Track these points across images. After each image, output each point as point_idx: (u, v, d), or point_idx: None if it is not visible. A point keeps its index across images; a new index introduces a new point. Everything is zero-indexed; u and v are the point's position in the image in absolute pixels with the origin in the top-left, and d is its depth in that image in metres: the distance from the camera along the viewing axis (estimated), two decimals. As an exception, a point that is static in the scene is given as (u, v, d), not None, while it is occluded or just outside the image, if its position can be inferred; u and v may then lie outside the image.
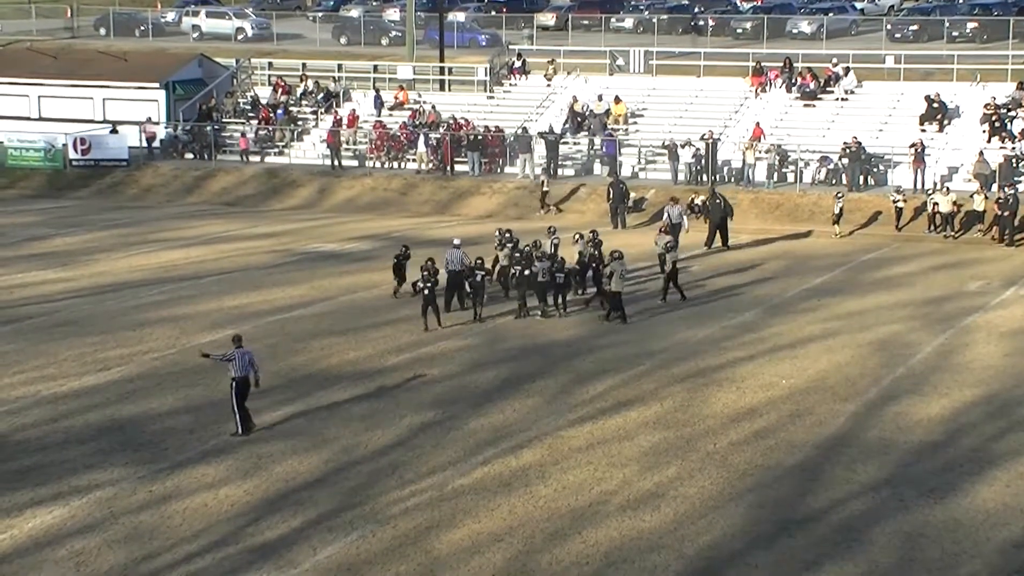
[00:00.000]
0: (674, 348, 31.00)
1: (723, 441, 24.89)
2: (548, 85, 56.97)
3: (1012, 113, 48.50)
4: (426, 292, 32.28)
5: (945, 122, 49.60)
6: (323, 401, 27.30)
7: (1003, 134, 47.68)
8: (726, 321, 33.42)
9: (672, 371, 29.14)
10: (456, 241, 35.38)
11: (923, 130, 49.08)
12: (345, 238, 44.49)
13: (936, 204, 43.84)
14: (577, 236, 36.66)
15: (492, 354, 30.63)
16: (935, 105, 49.52)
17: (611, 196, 46.28)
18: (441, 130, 53.43)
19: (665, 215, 40.76)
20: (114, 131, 55.62)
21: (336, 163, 53.43)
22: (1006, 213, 42.41)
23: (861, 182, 47.39)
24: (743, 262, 40.41)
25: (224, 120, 57.00)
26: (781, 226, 45.72)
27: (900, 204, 44.20)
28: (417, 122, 54.37)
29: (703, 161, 48.80)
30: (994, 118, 48.06)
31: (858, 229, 44.83)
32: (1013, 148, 46.87)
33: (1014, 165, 46.08)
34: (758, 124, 50.11)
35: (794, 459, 23.99)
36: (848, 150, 47.49)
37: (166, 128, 57.00)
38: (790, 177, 48.47)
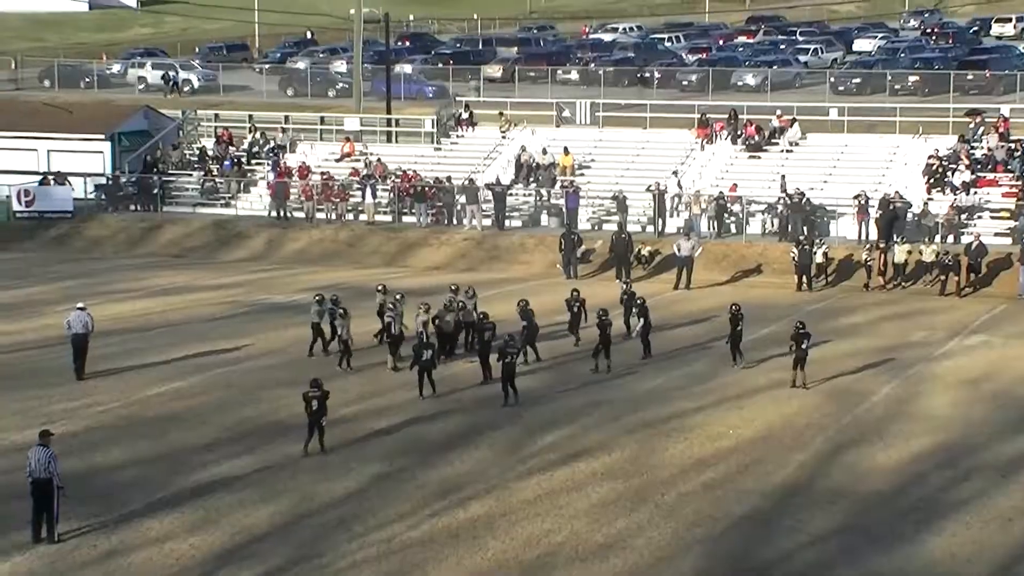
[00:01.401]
0: (623, 399, 31.04)
1: (672, 492, 24.90)
2: (504, 137, 57.11)
3: (953, 166, 49.12)
4: (313, 407, 27.38)
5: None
6: (272, 454, 27.11)
7: (943, 185, 48.22)
8: (675, 371, 33.51)
9: (621, 422, 29.16)
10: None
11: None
12: (294, 290, 44.25)
13: (888, 255, 44.10)
14: (452, 289, 36.27)
15: (442, 405, 30.57)
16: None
17: (563, 246, 46.52)
18: (391, 181, 53.47)
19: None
20: (60, 182, 55.26)
21: (282, 214, 53.28)
22: (948, 261, 42.87)
23: (805, 233, 47.69)
24: (691, 313, 40.48)
25: (171, 171, 56.79)
26: (728, 276, 45.94)
27: (871, 262, 44.14)
28: (365, 173, 54.38)
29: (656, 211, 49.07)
30: (936, 168, 48.66)
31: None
32: (955, 198, 47.39)
33: (959, 218, 46.57)
34: (735, 184, 50.09)
35: (743, 509, 24.03)
36: (791, 200, 47.84)
37: (108, 178, 56.64)
38: (735, 228, 48.80)
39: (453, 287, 36.57)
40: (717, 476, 25.71)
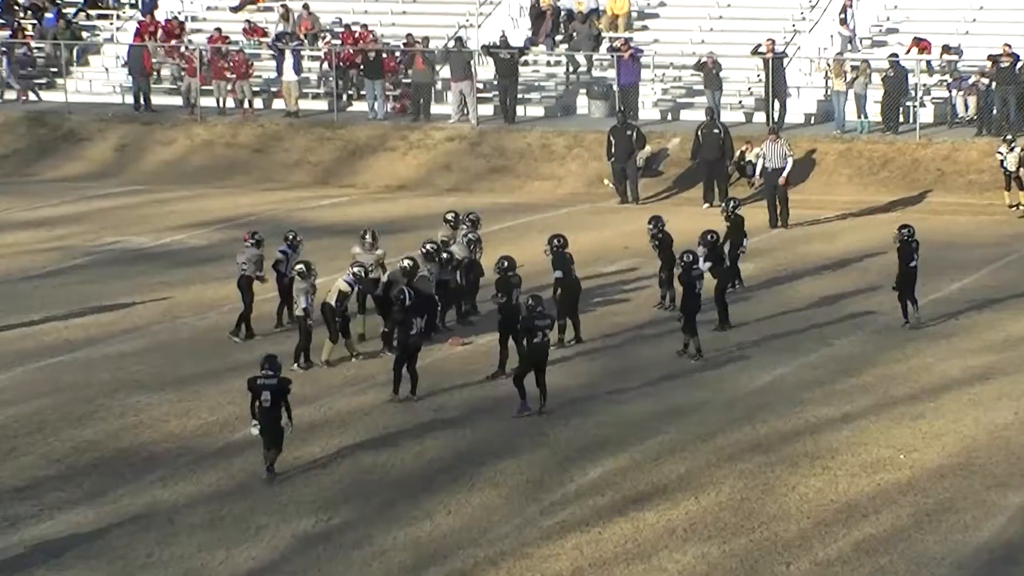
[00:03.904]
0: (719, 403, 30.98)
1: (803, 560, 24.77)
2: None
3: None
4: (262, 403, 27.94)
5: None
6: (130, 502, 26.92)
7: None
8: (803, 355, 33.54)
9: (716, 442, 29.02)
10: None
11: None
12: (164, 227, 44.37)
13: None
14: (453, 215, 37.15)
15: (417, 417, 30.50)
16: None
17: (613, 149, 46.20)
18: (325, 43, 53.28)
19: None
20: None
21: (143, 102, 53.09)
22: None
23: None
24: (829, 255, 40.68)
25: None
26: (890, 195, 45.91)
27: None
28: (281, 32, 54.18)
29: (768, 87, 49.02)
30: None
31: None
32: None
33: None
34: (917, 40, 49.97)
35: (926, 588, 23.85)
36: (997, 65, 47.58)
37: None
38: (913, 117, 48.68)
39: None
40: (880, 532, 25.55)
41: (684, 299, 33.55)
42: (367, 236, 35.97)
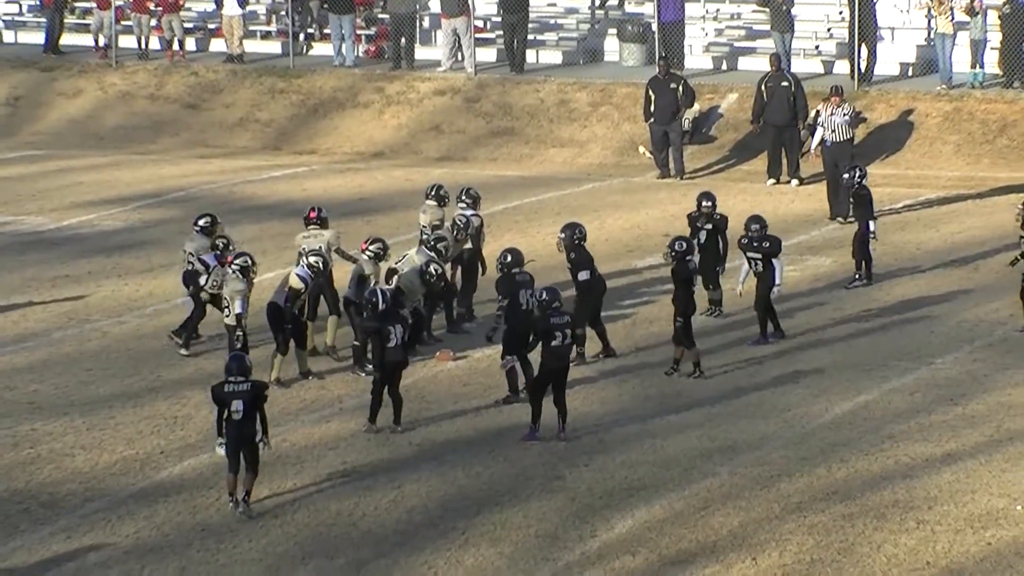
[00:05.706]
0: (784, 439, 31.09)
1: (895, 641, 24.91)
2: None
3: None
4: (232, 414, 28.34)
5: None
6: (23, 559, 26.94)
7: None
8: (897, 378, 33.63)
9: (780, 488, 29.12)
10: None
11: None
12: (68, 204, 44.49)
13: None
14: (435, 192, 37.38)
15: (394, 453, 30.65)
16: None
17: (652, 108, 46.32)
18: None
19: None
20: None
21: (52, 43, 53.33)
22: None
23: None
24: (933, 247, 40.90)
25: None
26: (1011, 169, 46.20)
27: None
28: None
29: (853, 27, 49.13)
30: None
31: None
32: None
33: None
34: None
35: None
36: None
37: None
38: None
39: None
40: (991, 605, 25.66)
41: (679, 299, 33.75)
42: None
